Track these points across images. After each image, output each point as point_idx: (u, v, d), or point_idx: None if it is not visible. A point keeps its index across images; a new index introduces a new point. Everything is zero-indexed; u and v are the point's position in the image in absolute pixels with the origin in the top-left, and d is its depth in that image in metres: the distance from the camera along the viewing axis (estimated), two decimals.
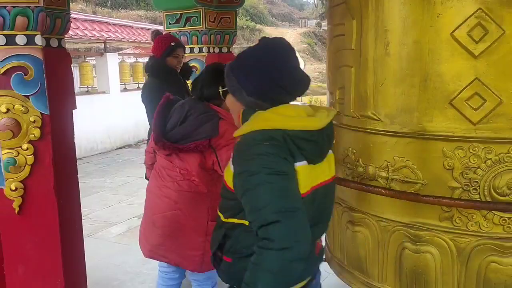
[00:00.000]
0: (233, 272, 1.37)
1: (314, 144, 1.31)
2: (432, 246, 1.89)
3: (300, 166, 1.26)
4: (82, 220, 3.00)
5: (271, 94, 1.36)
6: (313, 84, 26.80)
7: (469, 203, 1.76)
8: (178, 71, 3.35)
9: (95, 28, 9.59)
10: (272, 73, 1.36)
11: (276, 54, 1.40)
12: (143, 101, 3.30)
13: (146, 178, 2.68)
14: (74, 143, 2.91)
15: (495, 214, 1.77)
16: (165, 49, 3.25)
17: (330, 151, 1.47)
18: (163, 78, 3.17)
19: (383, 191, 1.92)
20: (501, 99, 1.70)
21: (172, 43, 3.27)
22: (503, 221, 1.77)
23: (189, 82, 3.59)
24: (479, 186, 1.77)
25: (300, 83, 1.40)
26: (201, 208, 2.20)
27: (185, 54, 4.19)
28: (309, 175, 1.29)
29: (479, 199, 1.77)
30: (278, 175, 1.19)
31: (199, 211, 2.20)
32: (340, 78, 2.21)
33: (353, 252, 2.25)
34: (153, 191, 2.33)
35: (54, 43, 2.69)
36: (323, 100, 18.75)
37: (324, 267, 3.10)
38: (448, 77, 1.75)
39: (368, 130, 2.03)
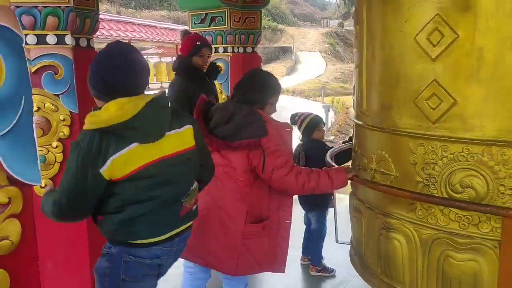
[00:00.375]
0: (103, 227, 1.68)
1: (134, 130, 1.55)
2: (400, 235, 2.01)
3: (130, 149, 1.54)
4: None
5: (104, 91, 1.63)
6: (334, 85, 26.61)
7: (426, 197, 1.86)
8: (205, 70, 3.34)
9: (120, 28, 9.77)
10: (100, 73, 1.61)
11: (106, 55, 1.63)
12: (168, 98, 3.30)
13: None
14: None
15: (451, 210, 1.83)
16: (191, 48, 3.24)
17: (181, 129, 1.74)
18: (188, 77, 3.19)
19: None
20: (455, 100, 1.77)
21: (198, 43, 3.26)
22: (458, 217, 1.82)
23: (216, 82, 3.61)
24: (436, 181, 1.86)
25: (130, 81, 1.61)
26: (241, 209, 2.15)
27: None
28: (142, 154, 1.57)
29: (437, 194, 1.85)
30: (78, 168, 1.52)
31: (239, 212, 2.15)
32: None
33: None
34: None
35: (83, 42, 2.74)
36: (346, 100, 18.53)
37: (348, 270, 3.09)
38: (413, 78, 1.89)
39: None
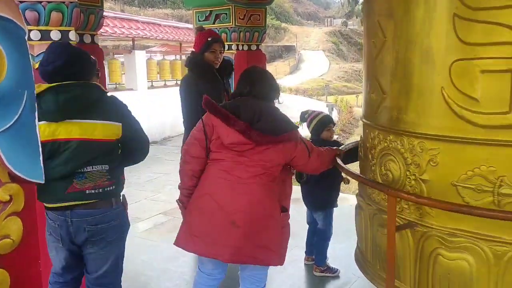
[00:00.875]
0: None
1: (39, 107, 1.74)
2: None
3: (40, 123, 1.75)
4: None
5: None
6: (337, 84, 26.55)
7: None
8: (217, 66, 3.29)
9: (124, 26, 9.73)
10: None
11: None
12: (180, 94, 3.28)
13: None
14: None
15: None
16: (203, 44, 3.22)
17: (94, 121, 1.96)
18: (199, 73, 3.17)
19: None
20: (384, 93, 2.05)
21: (209, 38, 3.24)
22: None
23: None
24: None
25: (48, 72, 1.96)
26: (275, 200, 2.23)
27: None
28: (44, 130, 1.86)
29: None
30: None
31: (274, 203, 2.23)
32: None
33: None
34: (224, 191, 2.17)
35: (87, 39, 2.72)
36: (349, 100, 18.49)
37: (353, 271, 3.06)
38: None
39: None
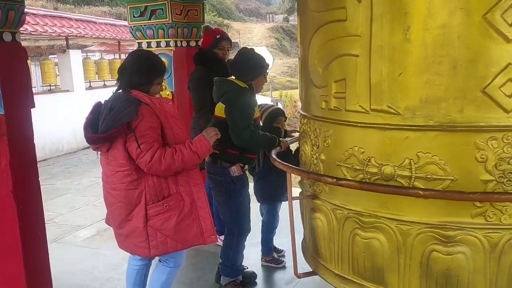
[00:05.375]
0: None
1: None
2: (464, 246, 1.75)
3: None
4: (48, 224, 2.85)
5: None
6: (281, 79, 26.86)
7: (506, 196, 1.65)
8: (224, 63, 3.45)
9: (56, 24, 9.21)
10: None
11: None
12: (189, 88, 3.52)
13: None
14: (34, 144, 2.74)
15: None
16: (211, 41, 3.45)
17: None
18: (210, 66, 3.36)
19: (421, 192, 1.67)
20: None
21: (217, 36, 3.46)
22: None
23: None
24: None
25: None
26: (136, 194, 2.28)
27: (152, 49, 4.05)
28: None
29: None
30: None
31: (135, 197, 2.28)
32: (338, 69, 1.96)
33: (365, 262, 2.00)
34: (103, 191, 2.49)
35: (7, 37, 2.51)
36: (293, 94, 18.76)
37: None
38: (480, 63, 1.62)
39: (382, 126, 1.82)
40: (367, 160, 1.88)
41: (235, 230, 2.88)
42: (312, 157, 2.16)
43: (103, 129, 2.16)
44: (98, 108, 2.30)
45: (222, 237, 3.05)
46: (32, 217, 2.67)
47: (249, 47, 3.02)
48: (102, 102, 2.33)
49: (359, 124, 1.89)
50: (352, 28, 1.86)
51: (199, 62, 3.47)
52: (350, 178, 1.93)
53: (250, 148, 2.81)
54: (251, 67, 2.82)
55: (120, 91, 2.28)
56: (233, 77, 2.87)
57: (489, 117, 1.63)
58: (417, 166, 1.75)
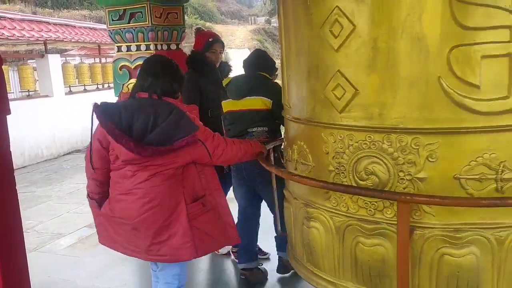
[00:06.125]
0: None
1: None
2: (318, 223, 2.07)
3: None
4: (28, 233, 2.79)
5: None
6: None
7: (337, 186, 1.92)
8: (217, 66, 3.48)
9: (33, 29, 9.04)
10: None
11: None
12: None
13: None
14: (10, 151, 2.66)
15: (359, 197, 1.88)
16: (204, 44, 3.44)
17: (248, 97, 2.98)
18: (200, 69, 3.35)
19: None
20: (357, 89, 1.82)
21: (210, 39, 3.45)
22: (366, 204, 1.87)
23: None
24: (345, 170, 1.91)
25: None
26: (176, 195, 2.18)
27: (132, 52, 4.00)
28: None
29: (346, 183, 1.91)
30: None
31: (175, 197, 2.18)
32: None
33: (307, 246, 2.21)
34: (119, 202, 2.23)
35: None
36: None
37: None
38: (322, 69, 1.94)
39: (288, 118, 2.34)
40: None
41: None
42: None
43: (160, 140, 2.03)
44: (117, 115, 2.08)
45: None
46: (10, 226, 2.60)
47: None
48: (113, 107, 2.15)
49: None
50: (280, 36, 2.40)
51: (190, 65, 3.44)
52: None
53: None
54: (274, 65, 3.19)
55: (150, 97, 2.14)
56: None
57: (329, 116, 1.94)
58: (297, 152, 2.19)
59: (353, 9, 1.78)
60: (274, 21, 41.41)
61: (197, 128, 2.10)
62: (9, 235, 2.59)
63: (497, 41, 1.58)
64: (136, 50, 3.99)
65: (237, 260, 3.37)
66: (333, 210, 1.99)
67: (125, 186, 2.15)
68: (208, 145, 2.21)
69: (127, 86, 4.02)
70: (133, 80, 3.97)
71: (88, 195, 2.36)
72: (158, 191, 2.12)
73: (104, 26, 12.62)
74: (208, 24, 35.49)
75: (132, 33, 3.94)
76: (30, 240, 4.08)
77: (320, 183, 1.93)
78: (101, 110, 2.07)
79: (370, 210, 1.87)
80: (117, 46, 4.09)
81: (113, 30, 4.03)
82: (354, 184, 1.89)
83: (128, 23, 3.94)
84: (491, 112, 1.63)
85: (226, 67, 3.67)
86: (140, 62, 3.93)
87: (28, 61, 10.49)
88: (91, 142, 2.25)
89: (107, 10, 4.03)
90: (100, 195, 2.30)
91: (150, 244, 2.17)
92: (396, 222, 1.76)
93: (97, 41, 11.26)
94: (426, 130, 1.70)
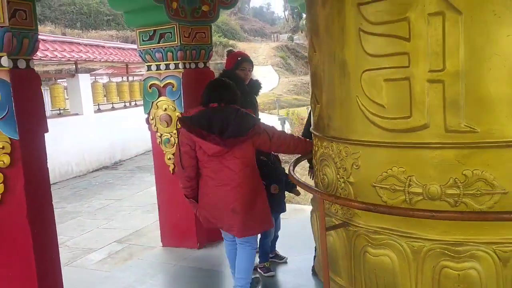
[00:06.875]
0: None
1: None
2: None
3: None
4: (59, 248, 2.85)
5: None
6: (288, 97, 26.91)
7: None
8: (246, 83, 3.69)
9: (65, 49, 9.38)
10: None
11: None
12: None
13: None
14: (47, 168, 2.77)
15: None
16: (234, 63, 3.70)
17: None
18: None
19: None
20: (318, 103, 2.29)
21: (239, 58, 3.73)
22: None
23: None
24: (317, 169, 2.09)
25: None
26: (258, 180, 2.94)
27: (161, 71, 4.11)
28: None
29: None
30: None
31: (258, 183, 2.94)
32: None
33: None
34: (215, 189, 2.82)
35: (21, 64, 2.56)
36: (301, 112, 18.80)
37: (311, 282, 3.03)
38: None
39: None
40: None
41: None
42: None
43: (235, 133, 2.69)
44: (199, 121, 2.74)
45: None
46: (47, 241, 2.69)
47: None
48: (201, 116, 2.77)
49: None
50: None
51: None
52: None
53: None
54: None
55: (219, 105, 2.78)
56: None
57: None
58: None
59: (314, 42, 2.14)
60: (297, 38, 41.78)
61: (259, 120, 2.88)
62: (47, 250, 2.67)
63: (397, 66, 1.73)
64: (165, 69, 4.09)
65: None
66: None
67: (219, 179, 2.77)
68: (268, 131, 2.84)
69: (156, 104, 4.11)
70: (163, 98, 4.09)
71: (186, 196, 2.95)
72: (244, 180, 2.76)
73: (132, 46, 12.99)
74: (231, 41, 36.01)
75: (161, 52, 4.05)
76: (61, 255, 4.15)
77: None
78: (187, 120, 2.77)
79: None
80: (147, 65, 4.21)
81: (143, 50, 4.16)
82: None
83: (158, 43, 4.06)
84: (396, 130, 1.79)
85: (256, 84, 3.87)
86: (169, 80, 4.03)
87: (58, 80, 10.87)
88: (179, 149, 2.86)
89: (137, 31, 4.16)
90: (190, 188, 2.89)
91: (244, 220, 2.77)
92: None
93: (125, 60, 11.57)
94: (351, 141, 1.94)
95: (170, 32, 4.00)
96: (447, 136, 1.67)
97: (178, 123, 2.92)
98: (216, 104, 2.78)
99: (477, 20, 1.57)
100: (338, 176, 2.05)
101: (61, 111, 9.31)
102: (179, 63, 4.05)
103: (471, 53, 1.59)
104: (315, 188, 2.23)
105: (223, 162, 2.73)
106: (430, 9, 1.62)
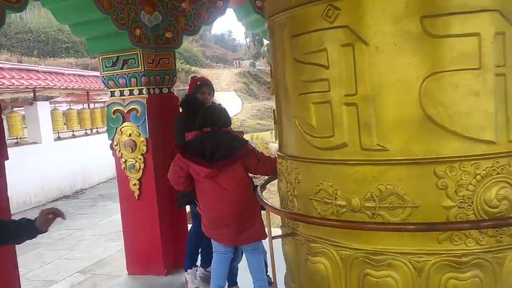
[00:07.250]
0: None
1: None
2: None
3: None
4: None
5: None
6: (251, 122, 27.15)
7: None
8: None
9: (23, 77, 9.16)
10: None
11: None
12: (174, 129, 3.85)
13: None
14: (8, 197, 2.70)
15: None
16: (193, 87, 3.88)
17: None
18: (190, 110, 3.66)
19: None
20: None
21: (198, 82, 3.91)
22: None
23: None
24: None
25: None
26: (253, 197, 2.82)
27: (125, 97, 4.10)
28: None
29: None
30: None
31: (253, 199, 2.83)
32: None
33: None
34: (214, 204, 3.13)
35: None
36: (264, 136, 19.01)
37: None
38: None
39: None
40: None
41: None
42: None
43: (225, 154, 2.97)
44: (193, 147, 3.04)
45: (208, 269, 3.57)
46: (7, 275, 2.59)
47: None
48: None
49: None
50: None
51: (183, 106, 3.85)
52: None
53: None
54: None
55: (213, 129, 3.09)
56: None
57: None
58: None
59: (272, 67, 2.32)
60: (259, 64, 42.48)
61: (247, 141, 3.15)
62: (6, 284, 2.57)
63: (320, 91, 1.91)
64: (129, 95, 4.09)
65: None
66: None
67: (214, 197, 3.04)
68: (255, 153, 3.13)
69: (120, 130, 4.09)
70: (127, 124, 4.07)
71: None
72: (238, 197, 3.02)
73: (92, 73, 12.83)
74: (194, 68, 36.14)
75: (125, 78, 4.06)
76: None
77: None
78: (182, 147, 3.06)
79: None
80: (110, 91, 4.20)
81: (106, 76, 4.15)
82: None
83: (121, 69, 4.07)
84: (323, 147, 1.95)
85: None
86: (133, 106, 4.04)
87: (14, 108, 10.54)
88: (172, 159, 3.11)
89: (100, 57, 4.16)
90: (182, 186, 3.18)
91: (240, 232, 3.07)
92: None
93: (85, 87, 11.41)
94: (293, 158, 2.11)
95: (134, 58, 4.03)
96: (363, 154, 1.82)
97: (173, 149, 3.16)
98: (210, 129, 3.07)
99: (381, 50, 1.75)
100: (287, 189, 2.20)
101: (19, 139, 9.02)
102: (143, 88, 4.07)
103: (378, 79, 1.76)
104: (264, 199, 2.39)
105: (217, 182, 3.01)
106: (342, 41, 1.81)
